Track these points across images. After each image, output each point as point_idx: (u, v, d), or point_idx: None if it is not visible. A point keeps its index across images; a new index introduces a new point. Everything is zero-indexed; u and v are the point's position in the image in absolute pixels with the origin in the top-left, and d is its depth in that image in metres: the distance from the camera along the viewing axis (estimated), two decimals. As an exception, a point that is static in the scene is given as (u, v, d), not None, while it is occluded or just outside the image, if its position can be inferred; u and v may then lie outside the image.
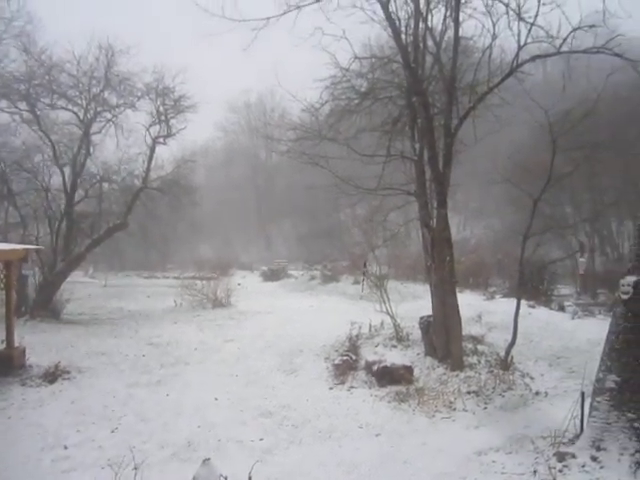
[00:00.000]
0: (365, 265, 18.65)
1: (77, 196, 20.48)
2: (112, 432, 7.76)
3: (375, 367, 10.14)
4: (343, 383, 10.12)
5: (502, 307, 15.40)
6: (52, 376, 10.17)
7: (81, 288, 25.11)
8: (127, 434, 7.62)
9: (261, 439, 7.54)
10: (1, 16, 19.50)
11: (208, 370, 11.31)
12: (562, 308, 17.77)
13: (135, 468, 6.11)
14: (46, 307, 17.69)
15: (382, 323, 13.81)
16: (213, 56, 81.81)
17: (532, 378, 10.07)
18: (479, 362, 10.73)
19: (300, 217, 54.48)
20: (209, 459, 5.50)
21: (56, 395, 9.43)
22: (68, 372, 10.55)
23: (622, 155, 21.61)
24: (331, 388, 9.99)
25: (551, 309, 17.55)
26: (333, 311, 19.11)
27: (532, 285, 18.74)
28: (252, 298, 24.22)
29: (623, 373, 6.08)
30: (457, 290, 11.25)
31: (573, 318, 15.99)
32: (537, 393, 9.25)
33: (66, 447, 7.20)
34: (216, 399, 9.28)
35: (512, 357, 10.44)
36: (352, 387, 9.92)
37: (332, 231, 39.40)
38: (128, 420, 8.24)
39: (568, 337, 13.40)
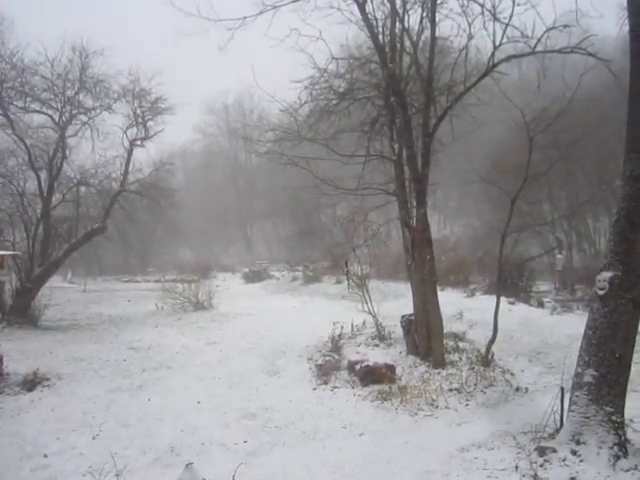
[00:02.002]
0: (347, 265, 18.72)
1: (54, 200, 20.20)
2: (93, 439, 7.65)
3: (358, 367, 10.15)
4: (326, 383, 10.12)
5: (483, 304, 15.55)
6: (31, 383, 9.98)
7: (60, 293, 24.73)
8: (108, 440, 7.52)
9: (245, 441, 7.50)
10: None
11: (190, 373, 11.23)
12: (541, 304, 18.05)
13: (117, 475, 6.05)
14: (24, 313, 17.36)
15: (364, 322, 13.86)
16: (190, 57, 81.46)
17: (513, 374, 10.18)
18: (460, 359, 10.83)
19: (281, 218, 54.50)
20: (192, 463, 5.47)
21: (35, 403, 9.27)
22: (47, 379, 10.38)
23: (596, 153, 22.03)
24: (314, 389, 9.98)
25: (530, 305, 17.80)
26: (315, 311, 19.14)
27: (511, 282, 19.00)
28: (234, 300, 24.15)
29: (601, 368, 6.18)
30: (438, 288, 11.33)
31: (552, 314, 16.25)
32: (518, 389, 9.35)
33: (46, 455, 7.07)
34: (199, 402, 9.21)
35: (493, 354, 10.55)
36: (335, 387, 9.92)
37: (313, 231, 39.43)
38: (109, 426, 8.13)
39: (547, 333, 13.60)
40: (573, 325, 12.57)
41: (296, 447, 7.32)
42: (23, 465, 6.80)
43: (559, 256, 22.44)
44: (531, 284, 20.99)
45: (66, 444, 7.43)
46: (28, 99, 19.56)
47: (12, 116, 19.32)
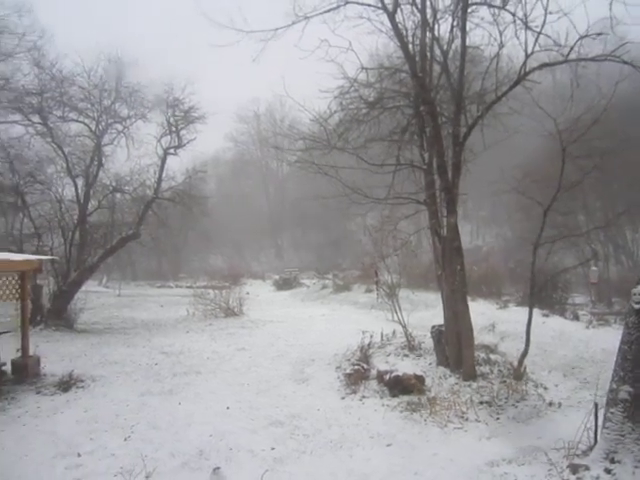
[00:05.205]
0: (376, 274, 18.67)
1: (90, 207, 20.76)
2: (124, 440, 7.79)
3: (387, 377, 10.10)
4: (354, 393, 10.08)
5: (515, 316, 15.30)
6: (66, 384, 10.25)
7: (95, 297, 25.36)
8: (139, 442, 7.65)
9: (272, 448, 7.52)
10: (14, 31, 19.84)
11: (220, 379, 11.33)
12: (577, 317, 17.65)
13: (147, 476, 6.19)
14: (60, 316, 17.86)
15: (394, 332, 13.77)
16: (223, 67, 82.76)
17: (546, 388, 9.98)
18: (492, 372, 10.65)
19: (311, 226, 54.67)
20: (219, 468, 5.55)
21: (70, 403, 9.50)
22: (82, 380, 10.64)
23: (633, 163, 21.49)
24: (342, 398, 9.95)
25: (565, 318, 17.42)
26: (345, 320, 19.12)
27: (545, 294, 18.61)
28: (264, 307, 24.34)
29: (637, 384, 6.02)
30: (470, 299, 11.20)
31: (588, 327, 15.85)
32: (550, 404, 9.15)
33: (79, 455, 7.24)
34: (227, 408, 9.29)
35: (525, 367, 10.35)
36: (364, 397, 9.87)
37: (343, 240, 39.42)
38: (140, 429, 8.27)
39: (582, 347, 13.29)
40: (609, 339, 12.24)
41: (323, 456, 7.31)
42: (57, 463, 6.98)
43: (593, 268, 21.96)
44: (566, 296, 20.55)
45: (98, 444, 7.59)
46: (66, 109, 20.22)
47: (51, 125, 20.00)
